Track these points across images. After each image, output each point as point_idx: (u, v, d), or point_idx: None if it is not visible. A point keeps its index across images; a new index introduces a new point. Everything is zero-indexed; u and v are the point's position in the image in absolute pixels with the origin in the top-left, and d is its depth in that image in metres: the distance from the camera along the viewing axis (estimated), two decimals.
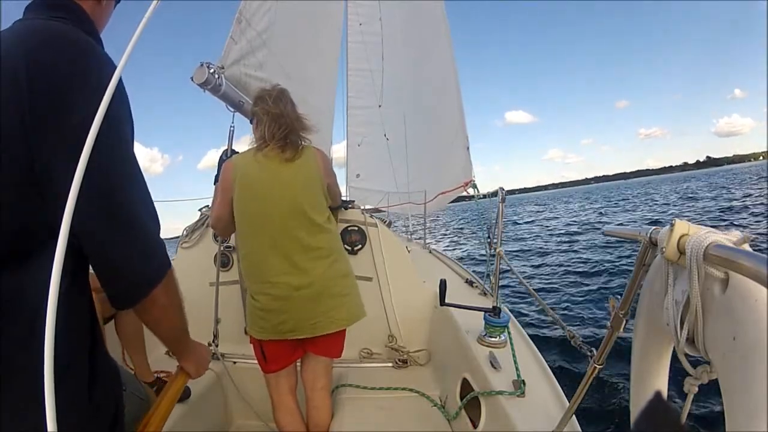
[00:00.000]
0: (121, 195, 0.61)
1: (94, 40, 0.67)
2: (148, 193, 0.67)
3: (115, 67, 0.56)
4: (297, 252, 1.27)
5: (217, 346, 1.85)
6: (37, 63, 0.57)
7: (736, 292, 0.41)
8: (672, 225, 0.50)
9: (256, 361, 1.40)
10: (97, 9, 0.74)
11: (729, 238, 0.44)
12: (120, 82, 0.61)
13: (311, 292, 1.27)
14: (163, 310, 0.69)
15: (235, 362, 1.84)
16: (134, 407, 0.73)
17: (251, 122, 1.39)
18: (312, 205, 1.30)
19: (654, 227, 0.56)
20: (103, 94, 0.52)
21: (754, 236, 0.43)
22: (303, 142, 1.35)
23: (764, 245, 5.91)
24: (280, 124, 1.29)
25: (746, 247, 0.41)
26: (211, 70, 1.79)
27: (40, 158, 0.56)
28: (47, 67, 0.58)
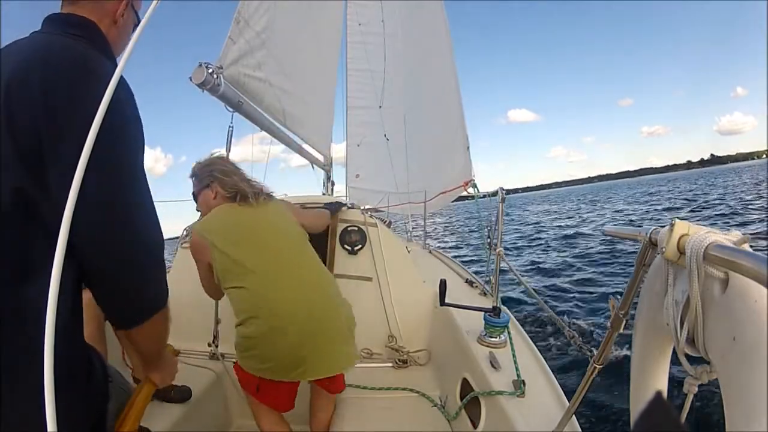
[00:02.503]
0: (130, 227, 0.63)
1: (106, 58, 0.68)
2: (156, 219, 0.69)
3: (125, 87, 0.58)
4: (293, 280, 1.24)
5: (217, 346, 1.85)
6: (46, 79, 0.58)
7: (736, 292, 0.41)
8: (672, 225, 0.49)
9: None
10: (113, 29, 0.75)
11: (729, 238, 0.44)
12: (133, 102, 0.64)
13: (316, 328, 1.21)
14: (156, 333, 0.73)
15: (235, 362, 1.84)
16: (120, 400, 0.76)
17: (204, 189, 1.37)
18: (297, 238, 1.35)
19: (654, 227, 0.56)
20: (112, 116, 0.55)
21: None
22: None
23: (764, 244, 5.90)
24: (233, 180, 1.33)
25: (746, 247, 0.41)
26: (210, 71, 1.78)
27: (40, 174, 0.57)
28: (56, 83, 0.59)
